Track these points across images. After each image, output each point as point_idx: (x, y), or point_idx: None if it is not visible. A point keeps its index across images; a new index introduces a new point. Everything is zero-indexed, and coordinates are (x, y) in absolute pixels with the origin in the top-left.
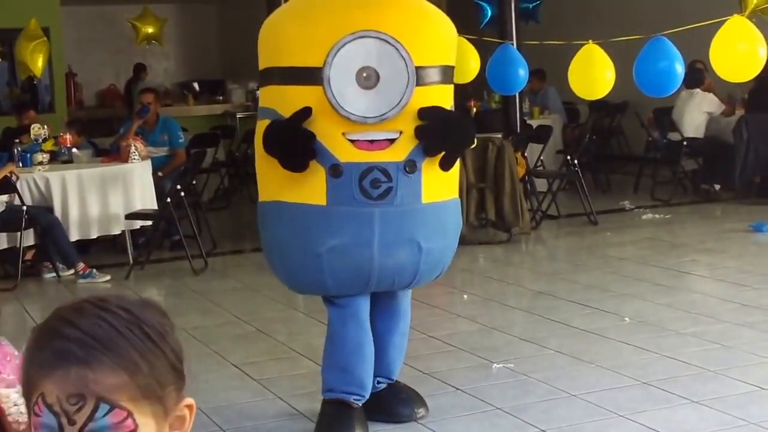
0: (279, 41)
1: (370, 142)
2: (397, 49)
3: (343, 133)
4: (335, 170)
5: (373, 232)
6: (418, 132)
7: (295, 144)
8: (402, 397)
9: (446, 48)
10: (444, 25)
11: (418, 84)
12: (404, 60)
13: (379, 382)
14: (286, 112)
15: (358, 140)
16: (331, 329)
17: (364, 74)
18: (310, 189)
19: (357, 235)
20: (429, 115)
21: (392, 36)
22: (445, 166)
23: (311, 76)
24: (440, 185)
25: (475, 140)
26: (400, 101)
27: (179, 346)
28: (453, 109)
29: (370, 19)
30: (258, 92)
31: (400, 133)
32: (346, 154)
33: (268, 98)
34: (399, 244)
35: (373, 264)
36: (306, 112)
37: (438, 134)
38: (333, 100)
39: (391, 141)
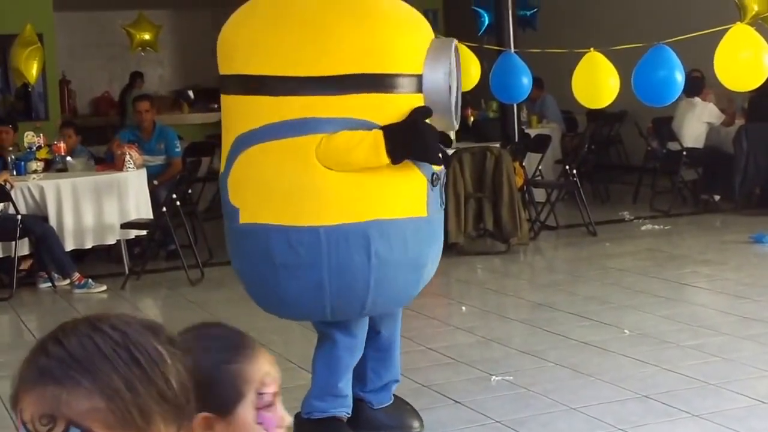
0: (384, 48)
1: None
2: (458, 56)
3: None
4: (435, 179)
5: (441, 234)
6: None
7: (436, 139)
8: (405, 408)
9: None
10: None
11: None
12: (459, 65)
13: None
14: (382, 120)
15: None
16: (333, 358)
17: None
18: (412, 201)
19: (441, 239)
20: None
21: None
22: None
23: (414, 83)
24: None
25: None
26: (459, 103)
27: (180, 377)
28: None
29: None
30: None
31: None
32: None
33: (356, 108)
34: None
35: (436, 264)
36: (429, 112)
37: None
38: (453, 109)
39: None
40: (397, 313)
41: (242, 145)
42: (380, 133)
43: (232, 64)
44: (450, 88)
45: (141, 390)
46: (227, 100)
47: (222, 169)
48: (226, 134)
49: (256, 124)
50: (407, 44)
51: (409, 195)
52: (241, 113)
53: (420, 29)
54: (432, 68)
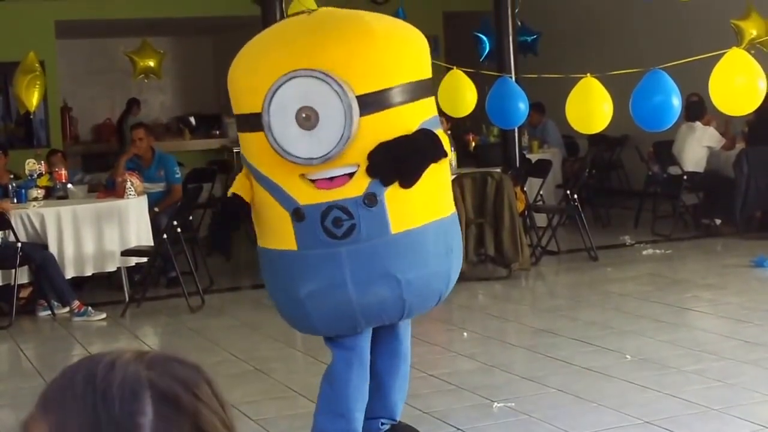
0: (231, 89)
1: (330, 180)
2: (328, 83)
3: (302, 175)
4: (298, 214)
5: (344, 272)
6: (369, 171)
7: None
8: None
9: (404, 65)
10: (395, 40)
11: (370, 112)
12: (337, 93)
13: (382, 423)
14: (249, 156)
15: (318, 179)
16: (333, 373)
17: (303, 115)
18: (281, 235)
19: (330, 277)
20: (375, 151)
21: (323, 71)
22: (405, 185)
23: (257, 122)
24: (411, 211)
25: (447, 152)
26: (341, 138)
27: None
28: (430, 123)
29: (303, 57)
30: None
31: (358, 166)
32: (305, 196)
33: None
34: (374, 281)
35: (352, 304)
36: (236, 202)
37: (388, 167)
38: (275, 146)
39: (351, 175)
40: (394, 349)
41: None
42: None
43: None
44: (269, 126)
45: None
46: None
47: None
48: None
49: None
50: (245, 85)
51: (273, 227)
52: None
53: (261, 66)
54: (263, 108)
